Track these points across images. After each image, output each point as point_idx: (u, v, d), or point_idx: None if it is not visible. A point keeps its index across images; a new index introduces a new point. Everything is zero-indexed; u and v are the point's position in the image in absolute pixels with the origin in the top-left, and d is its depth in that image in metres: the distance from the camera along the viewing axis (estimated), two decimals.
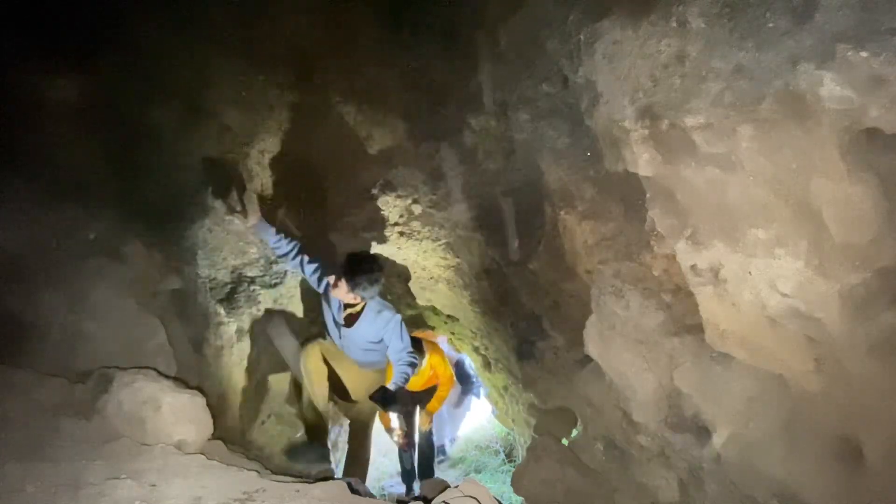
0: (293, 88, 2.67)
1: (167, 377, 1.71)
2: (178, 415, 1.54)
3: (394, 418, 4.09)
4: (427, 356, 3.88)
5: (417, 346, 3.76)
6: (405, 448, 4.37)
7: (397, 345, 2.64)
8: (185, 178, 2.48)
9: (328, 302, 2.71)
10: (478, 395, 5.65)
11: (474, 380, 5.44)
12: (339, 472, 4.74)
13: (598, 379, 2.02)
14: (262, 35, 2.49)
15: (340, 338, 2.72)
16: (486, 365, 4.33)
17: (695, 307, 1.46)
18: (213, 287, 2.70)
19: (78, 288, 1.93)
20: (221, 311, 2.69)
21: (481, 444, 6.04)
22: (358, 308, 2.65)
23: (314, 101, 2.73)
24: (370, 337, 2.68)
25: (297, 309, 3.45)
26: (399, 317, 2.67)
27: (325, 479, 1.60)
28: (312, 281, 2.69)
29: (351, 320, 2.66)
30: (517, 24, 2.16)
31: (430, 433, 4.48)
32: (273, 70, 2.58)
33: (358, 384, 2.83)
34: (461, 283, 3.57)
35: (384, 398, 2.47)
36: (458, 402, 5.76)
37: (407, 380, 2.58)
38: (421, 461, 4.51)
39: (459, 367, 5.53)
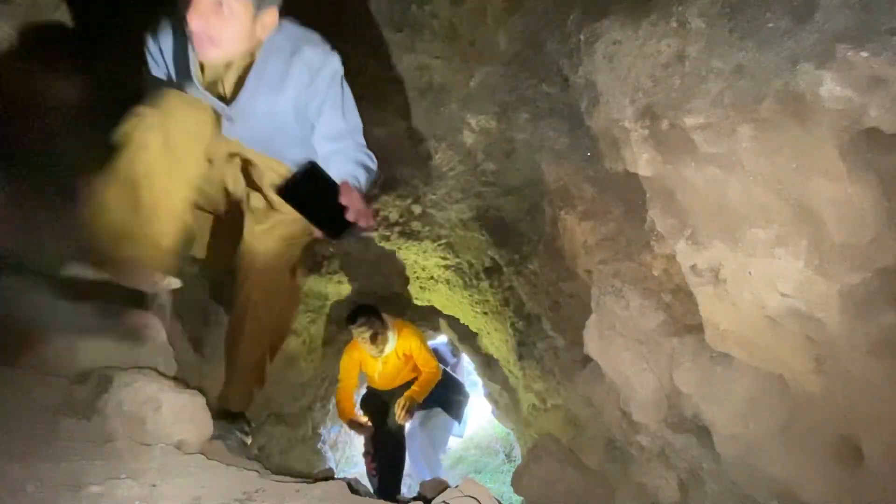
0: None
1: (167, 377, 1.71)
2: (178, 415, 1.54)
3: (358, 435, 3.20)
4: (395, 338, 2.98)
5: (375, 312, 2.89)
6: (372, 472, 3.31)
7: (337, 124, 1.44)
8: None
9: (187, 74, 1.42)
10: (459, 420, 4.06)
11: (463, 396, 4.00)
12: (333, 464, 4.68)
13: (598, 379, 2.02)
14: None
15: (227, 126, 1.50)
16: (487, 365, 4.33)
17: (695, 307, 1.46)
18: (214, 287, 2.70)
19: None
20: (221, 310, 2.69)
21: (481, 444, 6.04)
22: (244, 59, 1.37)
23: None
24: (278, 111, 1.44)
25: None
26: (339, 63, 1.44)
27: (326, 478, 1.60)
28: (161, 65, 1.48)
29: (238, 85, 1.41)
30: (517, 24, 2.16)
31: (400, 434, 3.27)
32: None
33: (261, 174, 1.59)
34: (461, 283, 3.57)
35: (296, 188, 1.15)
36: (433, 427, 4.00)
37: (360, 188, 1.35)
38: (385, 471, 3.25)
39: (448, 377, 3.98)
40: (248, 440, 1.82)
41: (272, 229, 1.58)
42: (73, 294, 1.49)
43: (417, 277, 3.88)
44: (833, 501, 1.23)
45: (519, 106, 2.27)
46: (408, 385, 3.26)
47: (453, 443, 5.59)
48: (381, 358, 3.09)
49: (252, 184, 1.64)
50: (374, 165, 1.53)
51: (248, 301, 1.65)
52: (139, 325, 1.51)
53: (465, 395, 4.06)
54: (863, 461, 1.15)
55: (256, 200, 1.63)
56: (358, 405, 3.50)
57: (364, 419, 3.27)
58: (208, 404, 1.63)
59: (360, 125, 1.54)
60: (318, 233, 1.28)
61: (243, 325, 1.69)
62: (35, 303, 1.48)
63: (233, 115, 1.47)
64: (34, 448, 1.32)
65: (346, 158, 1.43)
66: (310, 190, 1.20)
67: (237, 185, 1.67)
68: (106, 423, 1.49)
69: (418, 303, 4.18)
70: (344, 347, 3.49)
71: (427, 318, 4.59)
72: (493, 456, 5.79)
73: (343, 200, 1.20)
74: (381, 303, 3.44)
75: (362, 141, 1.53)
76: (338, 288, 3.81)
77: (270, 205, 1.60)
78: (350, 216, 1.21)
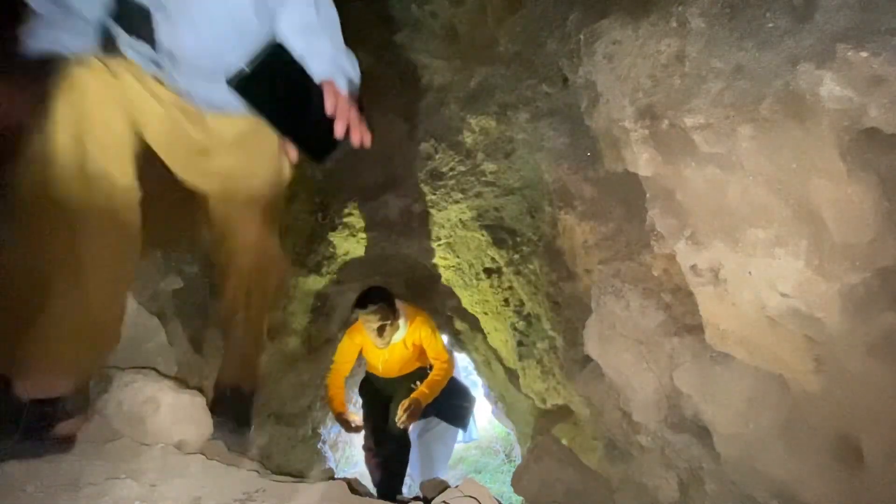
0: None
1: (167, 377, 1.71)
2: (178, 415, 1.54)
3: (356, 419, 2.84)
4: (405, 327, 2.70)
5: (388, 300, 2.58)
6: (374, 467, 2.98)
7: (305, 14, 1.07)
8: None
9: None
10: (464, 427, 3.69)
11: (468, 402, 3.56)
12: (333, 464, 4.64)
13: (598, 379, 2.02)
14: None
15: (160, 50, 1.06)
16: (487, 365, 4.33)
17: (695, 307, 1.46)
18: (214, 287, 2.70)
19: None
20: None
21: (481, 444, 6.04)
22: None
23: None
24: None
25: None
26: None
27: (326, 478, 1.60)
28: None
29: None
30: (517, 24, 2.16)
31: (405, 438, 2.87)
32: None
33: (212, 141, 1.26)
34: (461, 283, 3.57)
35: (255, 79, 0.86)
36: (431, 440, 3.65)
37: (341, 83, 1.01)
38: (386, 470, 2.89)
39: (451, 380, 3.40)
40: (249, 432, 1.70)
41: (247, 206, 1.32)
42: None
43: (418, 277, 3.89)
44: (833, 501, 1.23)
45: (519, 106, 2.28)
46: (412, 375, 2.91)
47: (459, 445, 5.10)
48: (386, 349, 2.78)
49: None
50: (357, 76, 1.11)
51: (238, 290, 1.53)
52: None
53: (471, 400, 3.60)
54: (863, 461, 1.15)
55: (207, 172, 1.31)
56: (356, 392, 3.19)
57: (355, 417, 2.89)
58: (207, 404, 1.63)
59: (338, 20, 1.12)
60: (292, 153, 0.96)
61: (239, 309, 1.56)
62: None
63: (170, 7, 1.02)
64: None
65: (320, 60, 1.02)
66: (276, 83, 0.85)
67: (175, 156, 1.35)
68: (106, 423, 1.49)
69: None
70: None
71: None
72: (493, 456, 5.79)
73: (328, 105, 0.91)
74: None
75: (341, 40, 1.11)
76: (338, 288, 3.81)
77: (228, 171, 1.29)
78: (338, 129, 0.91)
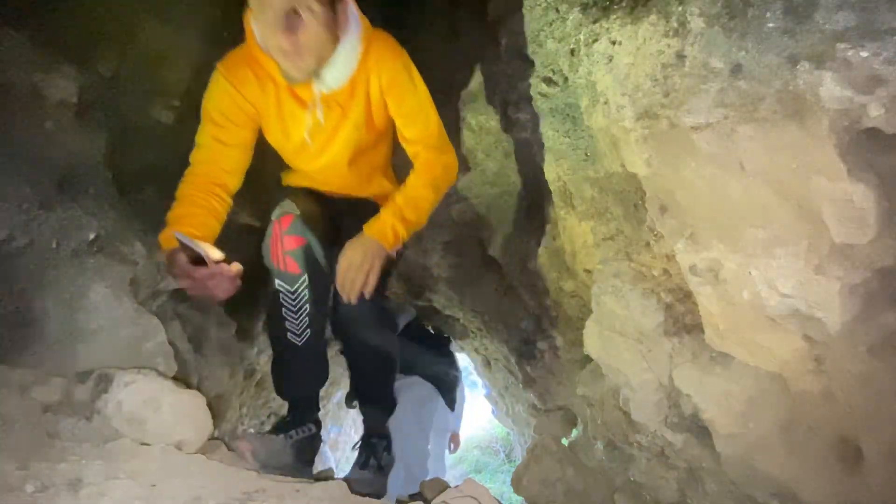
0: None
1: (167, 377, 1.71)
2: (178, 415, 1.54)
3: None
4: (355, 57, 1.55)
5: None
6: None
7: None
8: None
9: None
10: (451, 402, 3.03)
11: (457, 372, 2.87)
12: (333, 464, 4.63)
13: (598, 379, 2.02)
14: None
15: None
16: (487, 365, 4.33)
17: (695, 307, 1.46)
18: None
19: (77, 288, 1.93)
20: (221, 310, 2.70)
21: (481, 444, 6.04)
22: None
23: None
24: None
25: None
26: None
27: (326, 478, 1.60)
28: None
29: None
30: (517, 24, 2.16)
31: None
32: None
33: None
34: (461, 284, 3.58)
35: None
36: (416, 399, 2.97)
37: None
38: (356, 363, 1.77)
39: (438, 343, 2.91)
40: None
41: None
42: None
43: (419, 277, 3.88)
44: (833, 501, 1.23)
45: (519, 106, 2.27)
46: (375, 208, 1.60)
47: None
48: (316, 99, 1.44)
49: None
50: None
51: None
52: None
53: (459, 372, 2.82)
54: (863, 461, 1.15)
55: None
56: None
57: (218, 256, 1.43)
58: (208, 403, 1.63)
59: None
60: None
61: None
62: None
63: None
64: (34, 448, 1.32)
65: None
66: None
67: None
68: (106, 423, 1.50)
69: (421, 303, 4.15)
70: None
71: (429, 317, 4.59)
72: (493, 456, 5.80)
73: None
74: None
75: None
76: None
77: None
78: None
